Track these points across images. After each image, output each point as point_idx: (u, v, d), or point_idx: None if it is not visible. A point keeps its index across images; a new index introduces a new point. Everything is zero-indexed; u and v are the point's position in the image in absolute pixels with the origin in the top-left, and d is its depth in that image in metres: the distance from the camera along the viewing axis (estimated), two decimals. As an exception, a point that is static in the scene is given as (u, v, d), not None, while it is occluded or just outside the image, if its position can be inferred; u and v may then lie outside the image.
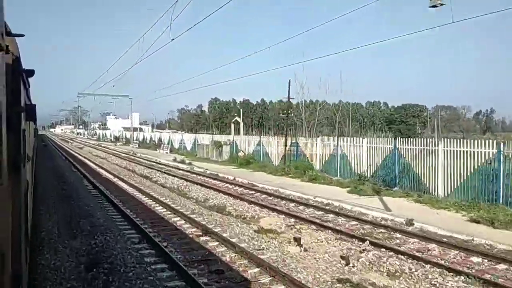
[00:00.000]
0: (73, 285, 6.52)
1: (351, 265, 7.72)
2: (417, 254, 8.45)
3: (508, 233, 9.88)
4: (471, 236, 9.53)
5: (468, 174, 13.46)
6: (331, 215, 12.43)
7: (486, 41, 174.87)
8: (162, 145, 44.83)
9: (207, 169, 24.80)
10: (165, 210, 13.13)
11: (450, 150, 14.24)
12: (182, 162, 29.63)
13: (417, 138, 17.21)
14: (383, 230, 10.51)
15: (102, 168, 26.63)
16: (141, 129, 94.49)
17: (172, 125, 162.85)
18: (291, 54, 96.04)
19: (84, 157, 36.84)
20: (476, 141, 13.72)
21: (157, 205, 13.95)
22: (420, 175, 15.44)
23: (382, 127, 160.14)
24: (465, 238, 9.53)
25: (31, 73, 3.98)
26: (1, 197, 2.14)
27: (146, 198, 15.34)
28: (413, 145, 16.13)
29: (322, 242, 9.38)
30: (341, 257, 8.12)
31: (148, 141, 55.64)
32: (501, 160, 12.45)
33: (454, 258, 8.38)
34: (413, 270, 7.47)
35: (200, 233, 9.86)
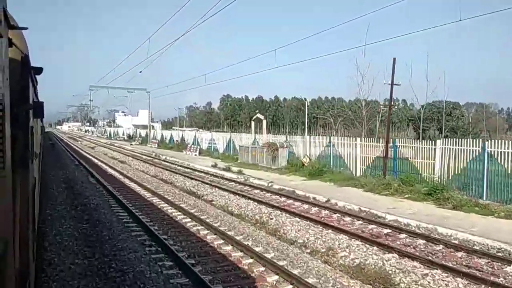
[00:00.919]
0: None
1: None
2: None
3: None
4: None
5: None
6: None
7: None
8: (189, 145, 38.61)
9: (271, 182, 18.50)
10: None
11: None
12: (227, 169, 23.37)
13: None
14: None
15: (128, 178, 20.45)
16: (152, 127, 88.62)
17: (182, 123, 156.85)
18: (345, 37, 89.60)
19: (100, 160, 30.71)
20: None
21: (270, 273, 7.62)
22: None
23: (407, 126, 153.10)
24: None
25: (39, 70, 4.18)
26: (5, 189, 2.15)
27: (232, 249, 9.03)
28: None
29: None
30: None
31: (168, 141, 49.49)
32: None
33: None
34: None
35: None
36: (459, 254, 8.65)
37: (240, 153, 28.17)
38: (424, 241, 9.50)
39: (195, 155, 35.20)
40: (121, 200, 13.87)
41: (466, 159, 14.60)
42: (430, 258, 8.27)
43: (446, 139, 16.87)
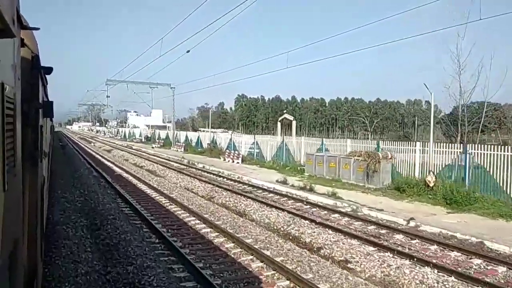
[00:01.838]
0: None
1: None
2: None
3: None
4: None
5: None
6: None
7: None
8: (227, 151, 31.99)
9: (410, 219, 11.77)
10: None
11: None
12: (307, 189, 16.71)
13: None
14: None
15: (177, 204, 13.87)
16: (168, 128, 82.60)
17: (195, 125, 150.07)
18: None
19: (124, 170, 24.26)
20: None
21: None
22: None
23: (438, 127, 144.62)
24: None
25: (49, 70, 4.06)
26: (16, 188, 2.16)
27: None
28: None
29: None
30: None
31: (194, 144, 43.00)
32: None
33: None
34: None
35: None
36: None
37: (307, 163, 21.40)
38: None
39: (238, 163, 28.59)
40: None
41: None
42: None
43: None
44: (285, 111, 71.85)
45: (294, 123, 65.49)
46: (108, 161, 30.98)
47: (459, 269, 7.91)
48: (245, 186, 18.23)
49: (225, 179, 20.72)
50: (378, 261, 8.16)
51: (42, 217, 4.91)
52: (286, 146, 26.61)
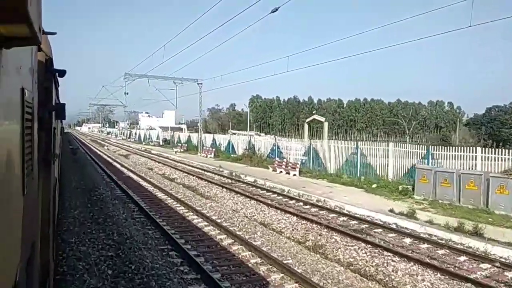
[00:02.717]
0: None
1: None
2: None
3: None
4: None
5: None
6: None
7: None
8: (279, 160, 25.81)
9: None
10: None
11: None
12: (478, 234, 10.57)
13: None
14: None
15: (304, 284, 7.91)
16: (183, 130, 77.06)
17: (206, 126, 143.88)
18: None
19: (158, 187, 18.34)
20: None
21: None
22: None
23: (453, 130, 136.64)
24: None
25: (62, 73, 4.02)
26: (34, 190, 2.22)
27: None
28: None
29: None
30: None
31: (224, 148, 37.10)
32: None
33: None
34: None
35: None
36: None
37: (417, 182, 15.21)
38: None
39: (295, 175, 22.53)
40: None
41: None
42: None
43: None
44: (314, 112, 65.59)
45: (326, 125, 59.11)
46: (130, 170, 25.15)
47: None
48: (352, 221, 12.13)
49: (302, 204, 14.67)
50: None
51: (54, 217, 5.07)
52: (364, 157, 20.47)
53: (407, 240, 10.16)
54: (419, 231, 10.86)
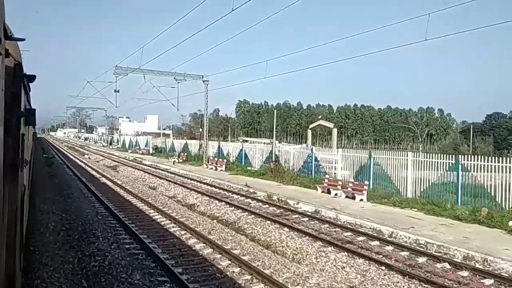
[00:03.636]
0: None
1: None
2: None
3: None
4: None
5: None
6: None
7: None
8: (328, 179, 19.50)
9: None
10: None
11: None
12: None
13: None
14: None
15: None
16: (171, 136, 70.38)
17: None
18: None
19: (186, 226, 11.92)
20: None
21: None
22: None
23: (444, 138, 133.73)
24: None
25: (32, 78, 3.95)
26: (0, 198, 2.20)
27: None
28: None
29: None
30: None
31: (234, 158, 30.82)
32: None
33: None
34: None
35: None
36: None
37: None
38: None
39: (362, 200, 16.48)
40: None
41: None
42: None
43: None
44: (319, 117, 59.94)
45: (335, 131, 53.36)
46: (127, 191, 18.56)
47: None
48: None
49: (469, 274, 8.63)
50: None
51: (22, 226, 4.79)
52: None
53: None
54: None
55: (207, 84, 31.23)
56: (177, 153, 37.84)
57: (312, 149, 23.16)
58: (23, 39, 3.13)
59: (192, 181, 23.05)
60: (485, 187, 13.78)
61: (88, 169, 29.74)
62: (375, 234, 11.27)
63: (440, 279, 7.93)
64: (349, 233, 11.52)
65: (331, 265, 8.56)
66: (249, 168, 27.74)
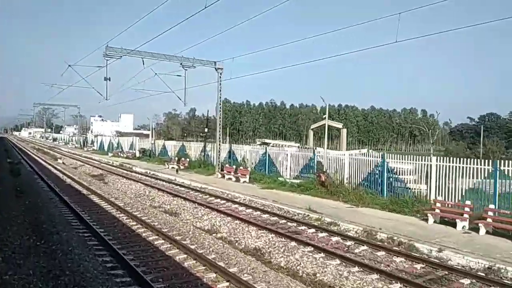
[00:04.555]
0: None
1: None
2: None
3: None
4: None
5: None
6: None
7: None
8: (449, 204, 13.73)
9: None
10: None
11: None
12: None
13: None
14: None
15: None
16: (146, 135, 63.04)
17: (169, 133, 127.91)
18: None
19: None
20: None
21: None
22: None
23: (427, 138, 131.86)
24: None
25: None
26: None
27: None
28: None
29: None
30: None
31: (254, 166, 24.69)
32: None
33: None
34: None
35: None
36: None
37: None
38: None
39: (467, 234, 10.80)
40: None
41: None
42: None
43: None
44: (324, 116, 54.83)
45: (344, 132, 48.84)
46: (141, 223, 12.14)
47: None
48: None
49: None
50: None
51: None
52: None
53: None
54: None
55: (221, 73, 24.95)
56: (175, 158, 31.18)
57: (383, 156, 17.37)
58: None
59: (223, 201, 16.79)
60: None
61: (68, 180, 22.80)
62: None
63: None
64: None
65: None
66: (280, 179, 21.73)
